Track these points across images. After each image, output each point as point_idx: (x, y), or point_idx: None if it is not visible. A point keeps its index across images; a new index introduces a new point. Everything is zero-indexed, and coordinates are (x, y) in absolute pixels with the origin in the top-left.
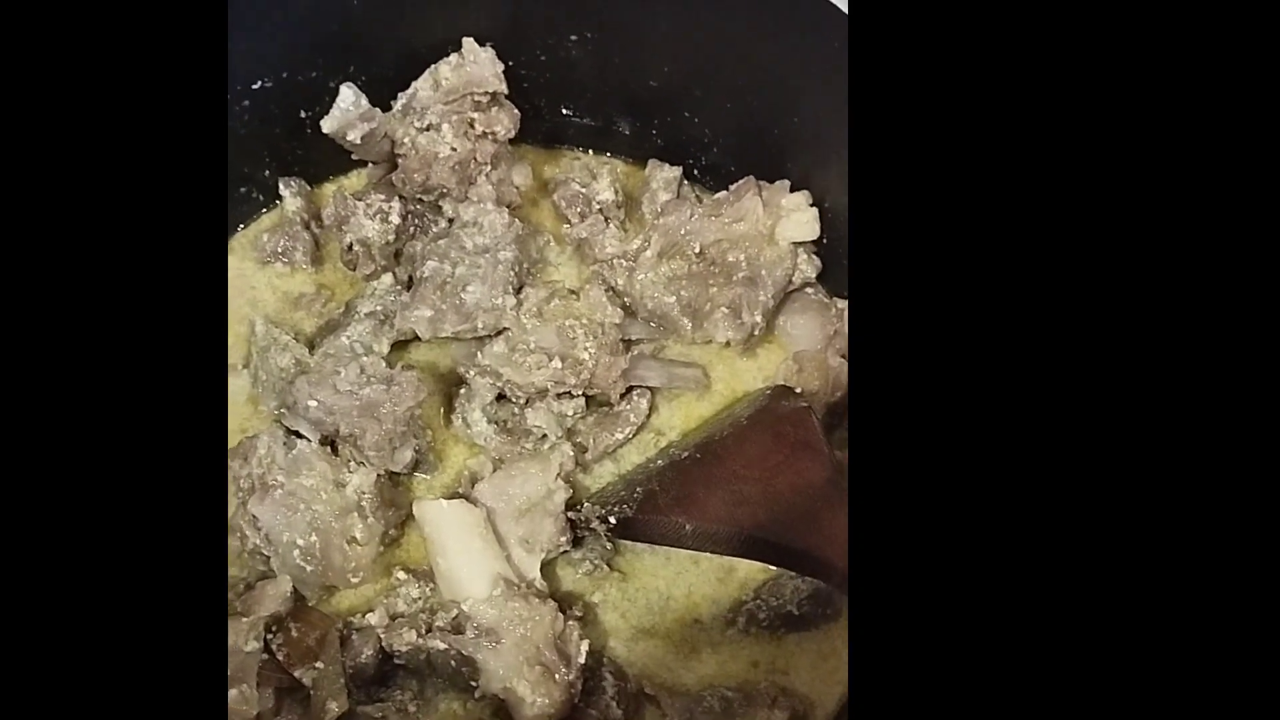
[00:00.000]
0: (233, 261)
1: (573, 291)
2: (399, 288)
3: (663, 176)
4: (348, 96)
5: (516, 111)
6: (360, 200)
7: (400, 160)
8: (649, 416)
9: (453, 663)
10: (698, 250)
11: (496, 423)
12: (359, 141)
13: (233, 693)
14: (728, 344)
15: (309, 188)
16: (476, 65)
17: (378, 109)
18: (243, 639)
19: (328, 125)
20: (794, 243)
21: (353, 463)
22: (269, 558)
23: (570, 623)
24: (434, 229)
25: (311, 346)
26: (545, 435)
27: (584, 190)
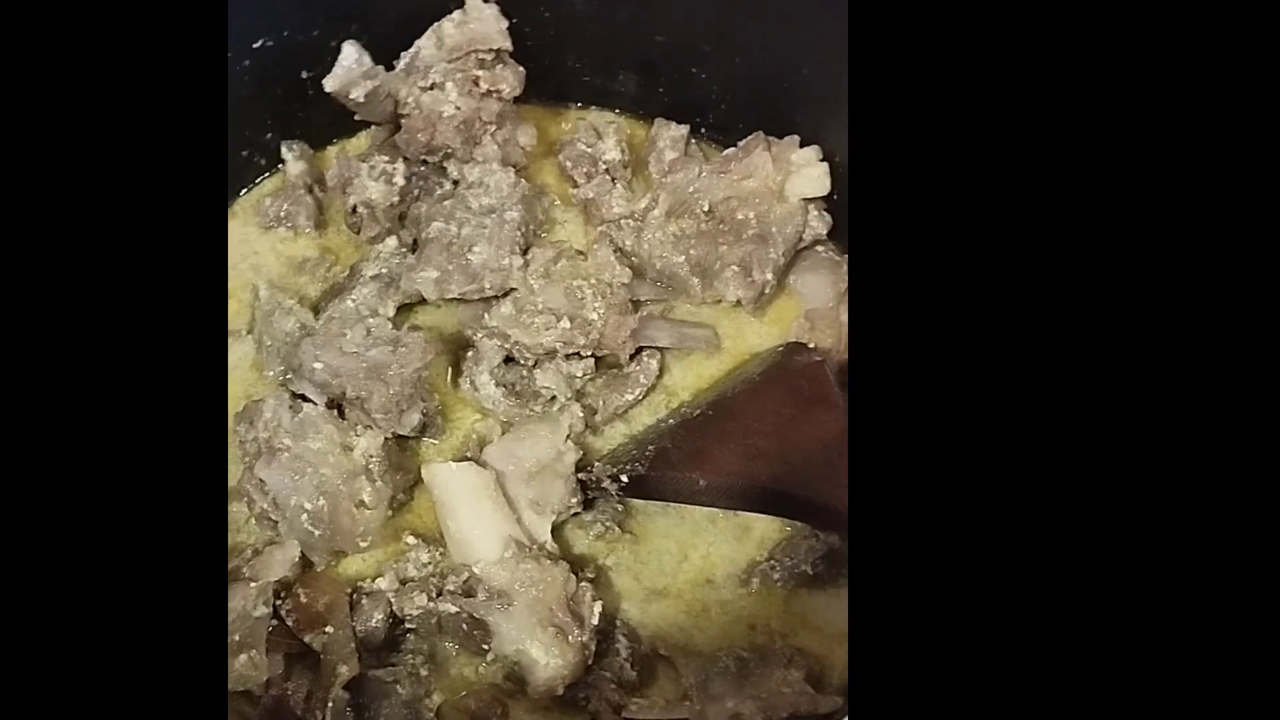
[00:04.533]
0: (235, 226)
1: (580, 252)
2: (404, 250)
3: (669, 135)
4: (350, 54)
5: (521, 69)
6: (364, 162)
7: (404, 121)
8: (659, 377)
9: (464, 626)
10: (706, 208)
11: (504, 385)
12: (362, 100)
13: (241, 658)
14: (738, 303)
15: (311, 151)
16: (480, 22)
17: (381, 67)
18: (251, 604)
19: (330, 84)
20: (804, 199)
21: (360, 426)
22: (276, 522)
23: (583, 584)
24: (438, 190)
25: (316, 311)
26: (554, 397)
27: (590, 150)
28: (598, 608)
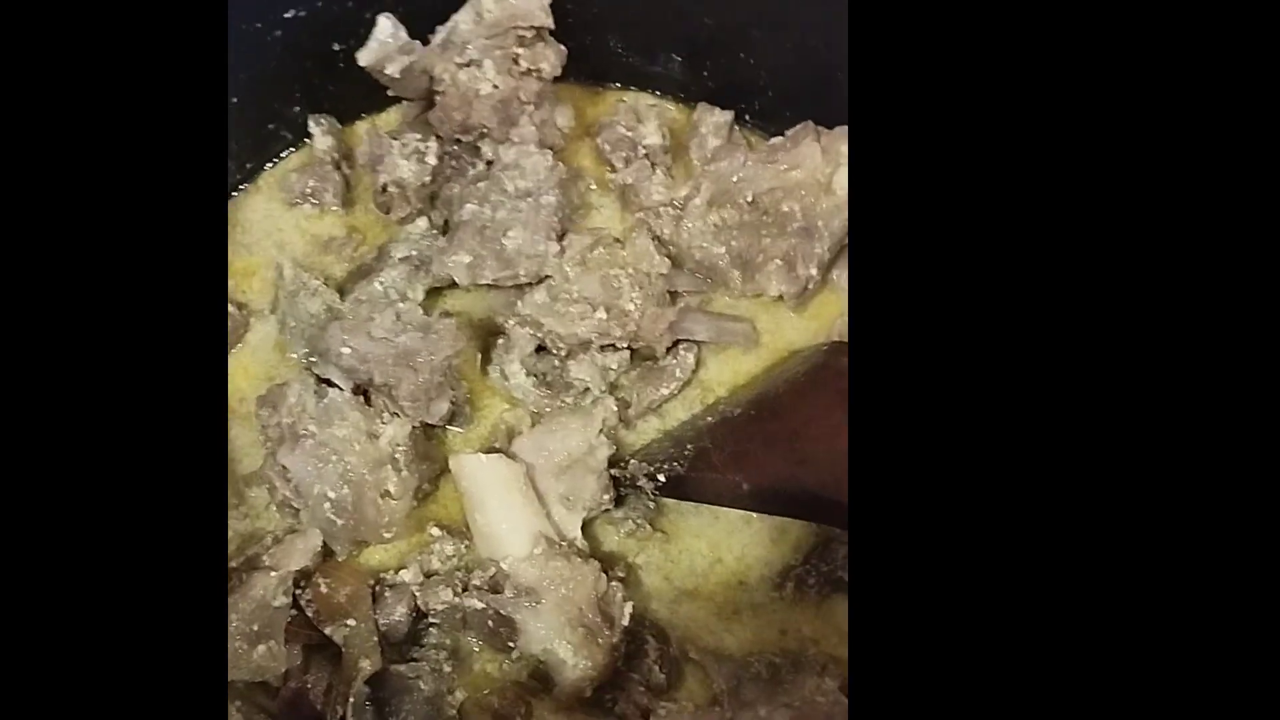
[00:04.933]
0: (259, 202)
1: (617, 239)
2: (434, 232)
3: (713, 121)
4: (385, 28)
5: (563, 48)
6: (395, 139)
7: (439, 98)
8: (695, 371)
9: (490, 623)
10: (750, 199)
11: (535, 375)
12: (398, 76)
13: (259, 649)
14: (779, 297)
15: (339, 126)
16: None
17: (417, 42)
18: (270, 593)
19: (364, 58)
20: None
21: (386, 413)
22: (298, 510)
23: (613, 584)
24: (471, 171)
25: (341, 292)
26: (587, 389)
27: (629, 133)
28: (628, 609)
